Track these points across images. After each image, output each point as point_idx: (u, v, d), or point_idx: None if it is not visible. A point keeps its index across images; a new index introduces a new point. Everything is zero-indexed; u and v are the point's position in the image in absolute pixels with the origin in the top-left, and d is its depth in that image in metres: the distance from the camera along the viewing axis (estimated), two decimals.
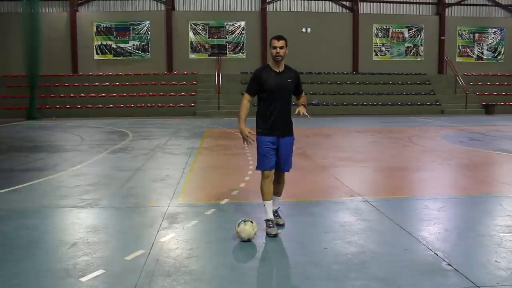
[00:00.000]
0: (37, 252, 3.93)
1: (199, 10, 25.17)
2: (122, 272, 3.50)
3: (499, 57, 27.06)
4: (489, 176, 7.48)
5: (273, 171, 4.45)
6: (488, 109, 22.96)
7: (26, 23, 20.06)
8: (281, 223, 4.66)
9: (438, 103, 23.56)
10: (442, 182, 7.03)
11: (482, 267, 3.55)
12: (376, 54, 26.16)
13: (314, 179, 7.11)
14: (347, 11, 25.86)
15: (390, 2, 26.16)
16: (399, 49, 26.26)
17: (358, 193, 6.00)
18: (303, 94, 4.74)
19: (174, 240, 4.21)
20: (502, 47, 26.98)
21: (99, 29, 24.47)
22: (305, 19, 25.27)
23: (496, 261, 3.66)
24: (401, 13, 26.30)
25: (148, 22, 24.64)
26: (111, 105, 21.91)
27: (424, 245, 4.04)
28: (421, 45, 26.34)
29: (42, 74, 21.00)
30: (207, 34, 25.04)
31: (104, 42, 24.57)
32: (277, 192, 4.68)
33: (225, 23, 25.05)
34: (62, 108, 21.62)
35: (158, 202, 5.62)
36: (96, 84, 23.31)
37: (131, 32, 24.63)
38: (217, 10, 25.23)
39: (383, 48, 26.18)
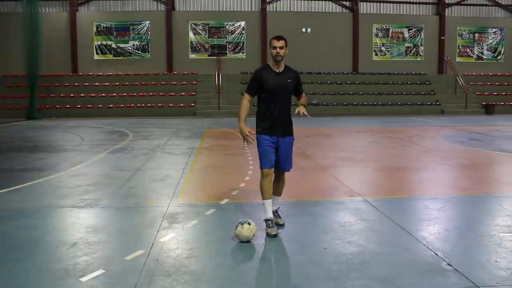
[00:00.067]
0: (37, 252, 3.93)
1: (199, 10, 25.17)
2: (122, 272, 3.50)
3: (499, 57, 27.06)
4: (489, 176, 7.48)
5: (272, 169, 4.45)
6: (488, 109, 22.96)
7: (26, 23, 20.06)
8: (281, 223, 4.66)
9: (438, 103, 23.57)
10: (442, 182, 7.03)
11: (482, 267, 3.55)
12: (376, 54, 26.16)
13: (314, 179, 7.11)
14: (347, 11, 25.86)
15: (390, 2, 26.16)
16: (399, 49, 26.26)
17: (358, 193, 6.00)
18: (304, 94, 4.75)
19: (174, 240, 4.21)
20: (502, 47, 26.98)
21: (99, 29, 24.47)
22: (305, 19, 25.27)
23: (496, 261, 3.66)
24: (401, 13, 26.30)
25: (148, 22, 24.64)
26: (111, 105, 21.91)
27: (424, 245, 4.04)
28: (421, 45, 26.34)
29: (42, 74, 21.00)
30: (207, 34, 25.04)
31: (104, 42, 24.57)
32: (277, 192, 4.68)
33: (225, 23, 25.05)
34: (62, 108, 21.61)
35: (158, 202, 5.62)
36: (96, 84, 23.31)
37: (131, 32, 24.63)
38: (217, 10, 25.23)
39: (383, 48, 26.18)
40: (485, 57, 27.04)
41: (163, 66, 24.63)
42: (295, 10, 25.58)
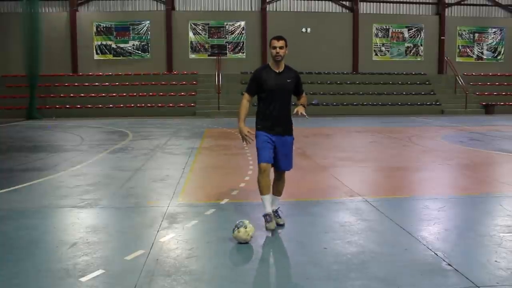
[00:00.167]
0: (37, 252, 3.93)
1: (199, 10, 25.17)
2: (122, 272, 3.50)
3: (499, 57, 27.07)
4: (489, 176, 7.48)
5: (270, 165, 4.44)
6: (488, 109, 22.96)
7: (26, 23, 20.07)
8: (281, 223, 4.66)
9: (438, 103, 23.57)
10: (442, 182, 7.03)
11: (482, 267, 3.55)
12: (376, 54, 26.16)
13: (314, 179, 7.11)
14: (347, 11, 25.86)
15: (390, 2, 26.16)
16: (399, 49, 26.26)
17: (358, 193, 6.00)
18: (304, 94, 4.75)
19: (174, 240, 4.21)
20: (502, 47, 26.99)
21: (99, 29, 24.47)
22: (305, 19, 25.27)
23: (496, 261, 3.65)
24: (401, 13, 26.30)
25: (148, 22, 24.65)
26: (111, 105, 21.91)
27: (424, 245, 4.04)
28: (421, 45, 26.34)
29: (42, 74, 21.01)
30: (207, 34, 25.04)
31: (104, 42, 24.57)
32: (277, 192, 4.68)
33: (225, 23, 25.05)
34: (62, 108, 21.62)
35: (158, 202, 5.62)
36: (96, 84, 23.31)
37: (131, 32, 24.63)
38: (217, 10, 25.23)
39: (383, 48, 26.19)
40: (485, 57, 27.04)
41: (163, 66, 24.63)
42: (295, 10, 25.58)
